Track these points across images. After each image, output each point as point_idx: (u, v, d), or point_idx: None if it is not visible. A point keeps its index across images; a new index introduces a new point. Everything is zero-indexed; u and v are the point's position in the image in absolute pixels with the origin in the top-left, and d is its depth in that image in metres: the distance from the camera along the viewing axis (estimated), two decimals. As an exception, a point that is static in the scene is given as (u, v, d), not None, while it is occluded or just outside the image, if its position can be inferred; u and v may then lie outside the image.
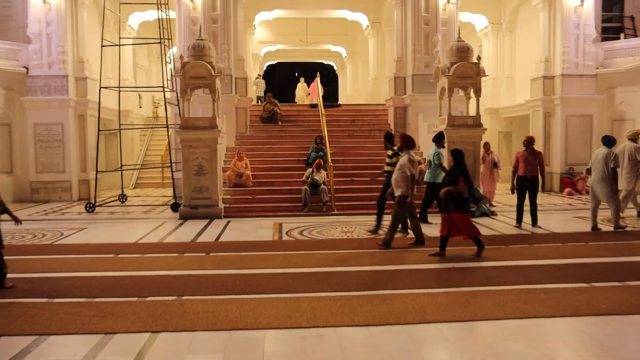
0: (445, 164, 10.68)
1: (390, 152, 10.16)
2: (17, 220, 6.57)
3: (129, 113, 18.94)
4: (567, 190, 16.01)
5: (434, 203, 10.83)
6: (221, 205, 12.05)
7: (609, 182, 9.79)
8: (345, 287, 6.20)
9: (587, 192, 15.70)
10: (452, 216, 7.67)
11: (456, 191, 7.63)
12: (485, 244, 8.63)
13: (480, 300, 5.62)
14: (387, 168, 10.09)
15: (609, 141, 10.21)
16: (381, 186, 10.25)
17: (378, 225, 10.00)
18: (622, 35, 17.85)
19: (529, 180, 10.26)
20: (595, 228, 9.95)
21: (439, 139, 11.22)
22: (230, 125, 15.28)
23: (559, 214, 12.31)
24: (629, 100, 16.24)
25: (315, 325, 4.91)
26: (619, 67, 16.39)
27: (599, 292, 5.92)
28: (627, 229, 9.98)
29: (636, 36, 17.48)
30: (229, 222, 11.35)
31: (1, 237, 6.20)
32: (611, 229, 10.04)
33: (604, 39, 17.65)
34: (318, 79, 18.34)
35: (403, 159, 8.43)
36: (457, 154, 7.91)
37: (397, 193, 8.41)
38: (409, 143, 8.61)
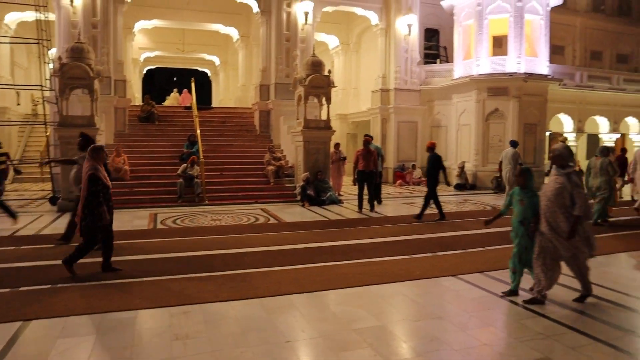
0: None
1: None
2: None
3: (7, 110, 16.94)
4: (398, 181, 17.19)
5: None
6: (100, 198, 11.22)
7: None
8: (212, 268, 6.11)
9: (414, 184, 17.12)
10: None
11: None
12: (332, 227, 9.02)
13: (325, 274, 5.86)
14: None
15: (514, 143, 12.18)
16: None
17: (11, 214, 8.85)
18: (438, 60, 19.55)
19: (367, 174, 10.80)
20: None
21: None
22: (109, 123, 14.29)
23: (391, 201, 13.12)
24: (443, 111, 17.85)
25: (182, 303, 4.79)
26: (436, 84, 17.93)
27: (416, 262, 6.47)
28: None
29: (448, 62, 19.15)
30: (107, 212, 10.60)
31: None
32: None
33: (426, 63, 19.13)
34: (192, 87, 17.48)
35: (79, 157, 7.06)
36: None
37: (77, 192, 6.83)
38: (87, 143, 6.85)
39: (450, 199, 13.35)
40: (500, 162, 12.21)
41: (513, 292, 5.09)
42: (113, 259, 5.99)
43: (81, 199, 5.76)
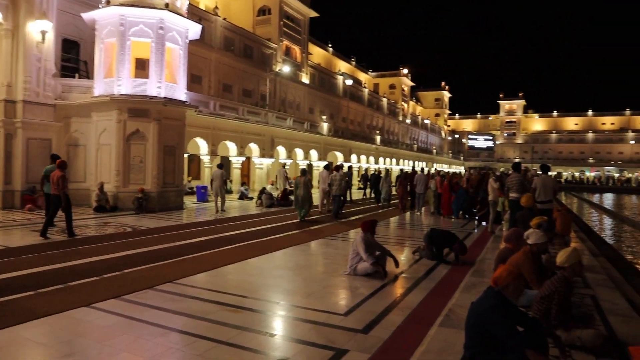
0: None
1: None
2: None
3: None
4: (28, 206, 15.17)
5: None
6: None
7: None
8: None
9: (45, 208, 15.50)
10: None
11: None
12: None
13: None
14: None
15: (221, 166, 16.44)
16: None
17: None
18: (77, 75, 18.38)
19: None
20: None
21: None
22: None
23: (19, 229, 11.54)
24: (82, 129, 16.85)
25: None
26: (75, 101, 16.81)
27: (43, 297, 5.93)
28: None
29: (89, 78, 18.23)
30: None
31: None
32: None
33: (64, 76, 17.72)
34: None
35: None
36: None
37: None
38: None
39: (89, 223, 12.74)
40: (212, 180, 16.40)
41: None
42: None
43: None
